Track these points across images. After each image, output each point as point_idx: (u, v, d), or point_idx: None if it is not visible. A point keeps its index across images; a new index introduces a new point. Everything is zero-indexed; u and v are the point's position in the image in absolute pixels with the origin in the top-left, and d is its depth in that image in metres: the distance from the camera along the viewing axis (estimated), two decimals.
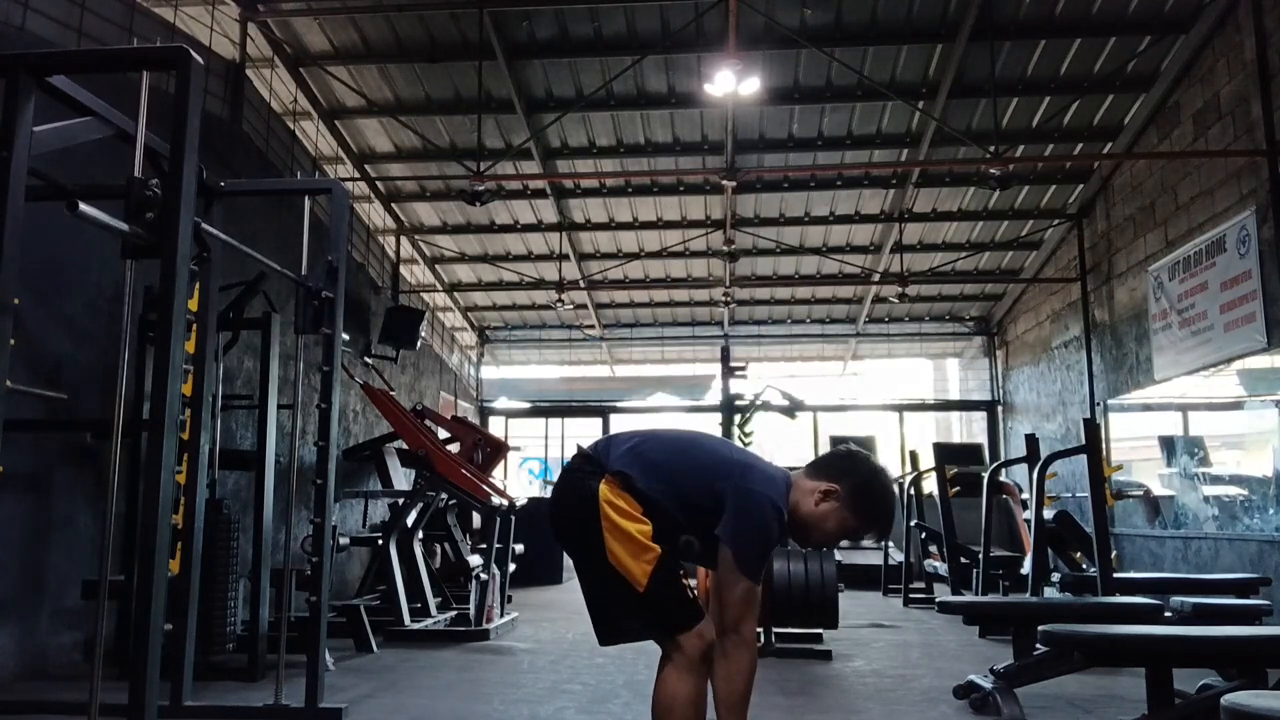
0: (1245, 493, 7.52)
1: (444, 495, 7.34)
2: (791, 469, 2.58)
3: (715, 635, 2.36)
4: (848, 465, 2.51)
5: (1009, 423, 13.45)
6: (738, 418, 7.07)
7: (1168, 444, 8.96)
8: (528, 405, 14.87)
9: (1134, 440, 9.78)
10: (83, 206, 2.60)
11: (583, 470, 2.49)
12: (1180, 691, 3.56)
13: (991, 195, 10.08)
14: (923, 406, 14.89)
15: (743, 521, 2.36)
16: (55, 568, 5.08)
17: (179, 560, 4.10)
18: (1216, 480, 8.00)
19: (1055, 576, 6.81)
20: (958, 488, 9.03)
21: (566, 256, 12.10)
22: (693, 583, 2.43)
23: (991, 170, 8.18)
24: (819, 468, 2.53)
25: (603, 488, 2.40)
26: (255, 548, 4.93)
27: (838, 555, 6.27)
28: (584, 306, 13.63)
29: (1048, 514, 6.89)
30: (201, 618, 4.55)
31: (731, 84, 7.50)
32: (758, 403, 6.99)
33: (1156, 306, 8.72)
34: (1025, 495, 8.18)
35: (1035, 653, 4.19)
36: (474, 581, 6.78)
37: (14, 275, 2.73)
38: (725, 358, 7.21)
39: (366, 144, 10.37)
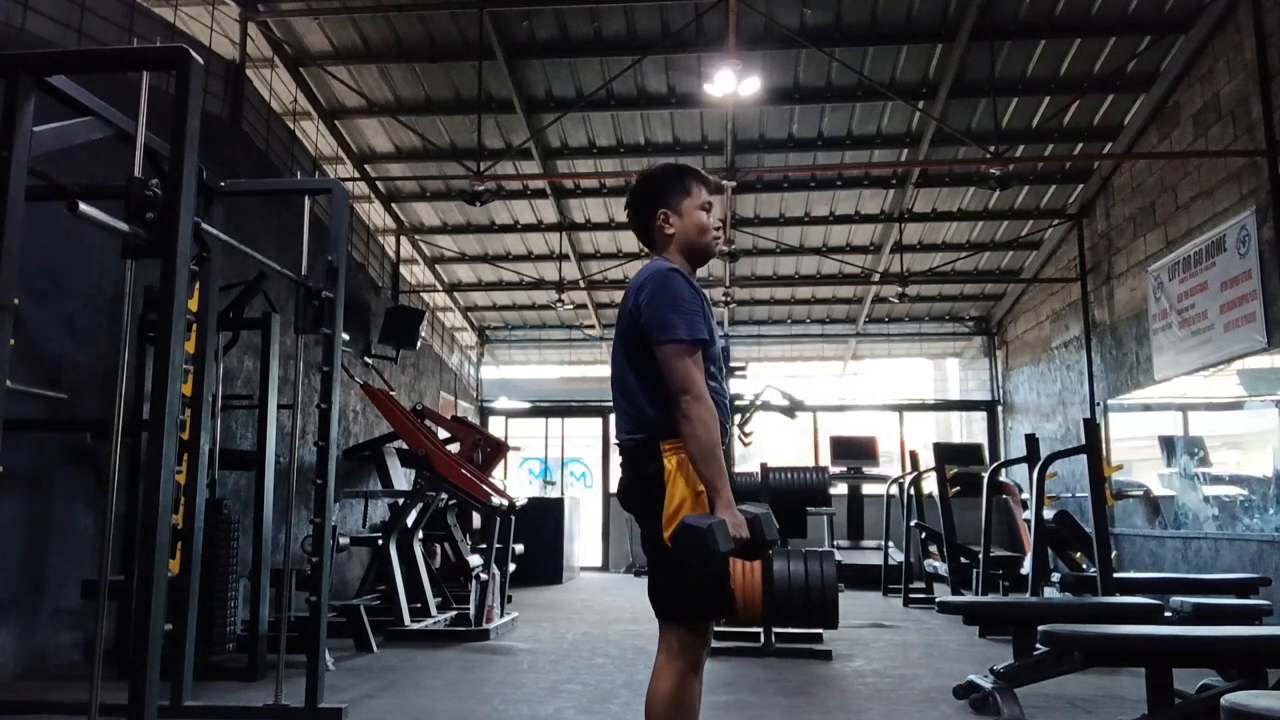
0: (1245, 493, 7.51)
1: (444, 495, 7.34)
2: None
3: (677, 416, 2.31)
4: (636, 203, 2.60)
5: (1009, 423, 13.45)
6: (738, 418, 7.07)
7: (1168, 444, 8.96)
8: (528, 405, 14.87)
9: (1134, 440, 9.78)
10: (83, 206, 2.60)
11: (640, 447, 2.45)
12: (1180, 691, 3.56)
13: (991, 195, 10.07)
14: (923, 406, 14.89)
15: (649, 307, 2.36)
16: (55, 568, 5.08)
17: (179, 560, 4.10)
18: (1216, 480, 8.00)
19: (1055, 576, 6.80)
20: (958, 488, 9.03)
21: (566, 256, 12.10)
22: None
23: (991, 170, 8.18)
24: (644, 230, 2.60)
25: (666, 463, 2.36)
26: (255, 548, 4.93)
27: (838, 555, 6.27)
28: (584, 306, 13.63)
29: (1048, 514, 6.89)
30: (201, 618, 4.55)
31: (731, 84, 7.50)
32: (758, 403, 7.01)
33: (1156, 306, 8.72)
34: (1025, 495, 8.19)
35: (1035, 653, 4.19)
36: (474, 581, 6.78)
37: (14, 275, 2.73)
38: (725, 358, 7.21)
39: (366, 144, 10.37)
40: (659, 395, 2.38)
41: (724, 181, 9.22)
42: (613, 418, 14.41)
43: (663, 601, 2.39)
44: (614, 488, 14.19)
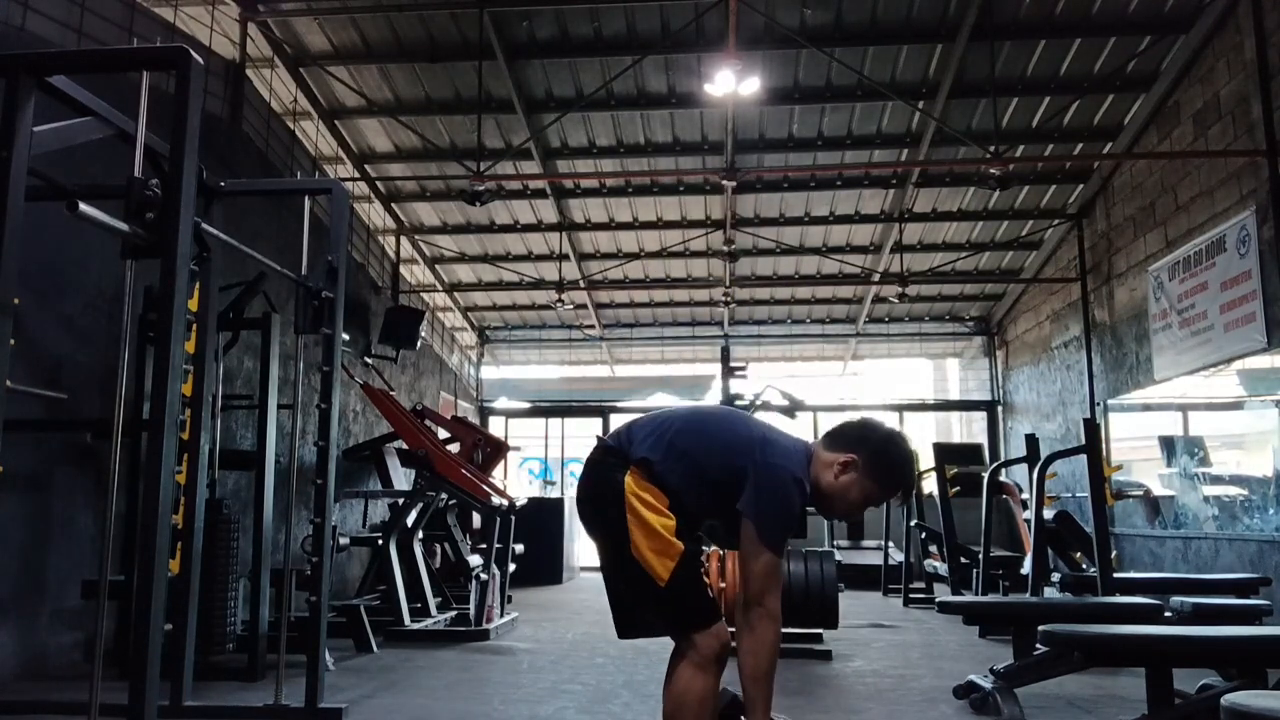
0: (1245, 493, 7.52)
1: (444, 495, 7.34)
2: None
3: (739, 611, 2.38)
4: (863, 433, 2.52)
5: (1009, 423, 13.45)
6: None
7: (1168, 444, 8.96)
8: (528, 405, 14.87)
9: (1134, 440, 9.78)
10: (83, 206, 2.60)
11: (605, 462, 2.50)
12: (1180, 691, 3.56)
13: (991, 195, 10.07)
14: (923, 406, 14.89)
15: (764, 495, 2.37)
16: (55, 568, 5.08)
17: (179, 560, 4.10)
18: (1216, 480, 8.00)
19: (1055, 576, 6.81)
20: (958, 488, 9.03)
21: (566, 256, 12.10)
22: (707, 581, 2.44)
23: (991, 170, 8.18)
24: (835, 439, 2.53)
25: (628, 480, 2.40)
26: (255, 548, 4.93)
27: (838, 555, 6.27)
28: (584, 306, 13.63)
29: (1048, 514, 6.90)
30: (201, 618, 4.55)
31: (731, 84, 7.50)
32: (758, 403, 7.00)
33: (1156, 306, 8.72)
34: (1025, 495, 8.19)
35: (1035, 653, 4.19)
36: (474, 581, 6.78)
37: (14, 275, 2.73)
38: (725, 358, 7.22)
39: (366, 144, 10.37)
40: (680, 474, 2.43)
41: (724, 181, 9.24)
42: (613, 417, 14.51)
43: (670, 625, 2.43)
44: None
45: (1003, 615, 5.16)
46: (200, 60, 2.87)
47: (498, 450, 9.64)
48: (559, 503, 11.94)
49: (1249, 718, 2.03)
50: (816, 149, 10.05)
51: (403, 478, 8.37)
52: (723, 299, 12.55)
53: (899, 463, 2.50)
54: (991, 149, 8.15)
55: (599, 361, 15.14)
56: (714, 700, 2.38)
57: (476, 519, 8.87)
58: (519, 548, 7.84)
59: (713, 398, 12.65)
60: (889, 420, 13.94)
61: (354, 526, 9.01)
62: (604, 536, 2.46)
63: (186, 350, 4.11)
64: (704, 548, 2.42)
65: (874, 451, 2.48)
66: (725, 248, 11.53)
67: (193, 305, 4.14)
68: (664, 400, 14.81)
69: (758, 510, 2.36)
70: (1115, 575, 5.94)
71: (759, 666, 2.32)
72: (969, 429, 14.83)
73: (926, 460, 9.79)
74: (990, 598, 7.10)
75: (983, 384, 14.14)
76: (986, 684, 4.18)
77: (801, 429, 13.91)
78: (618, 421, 14.50)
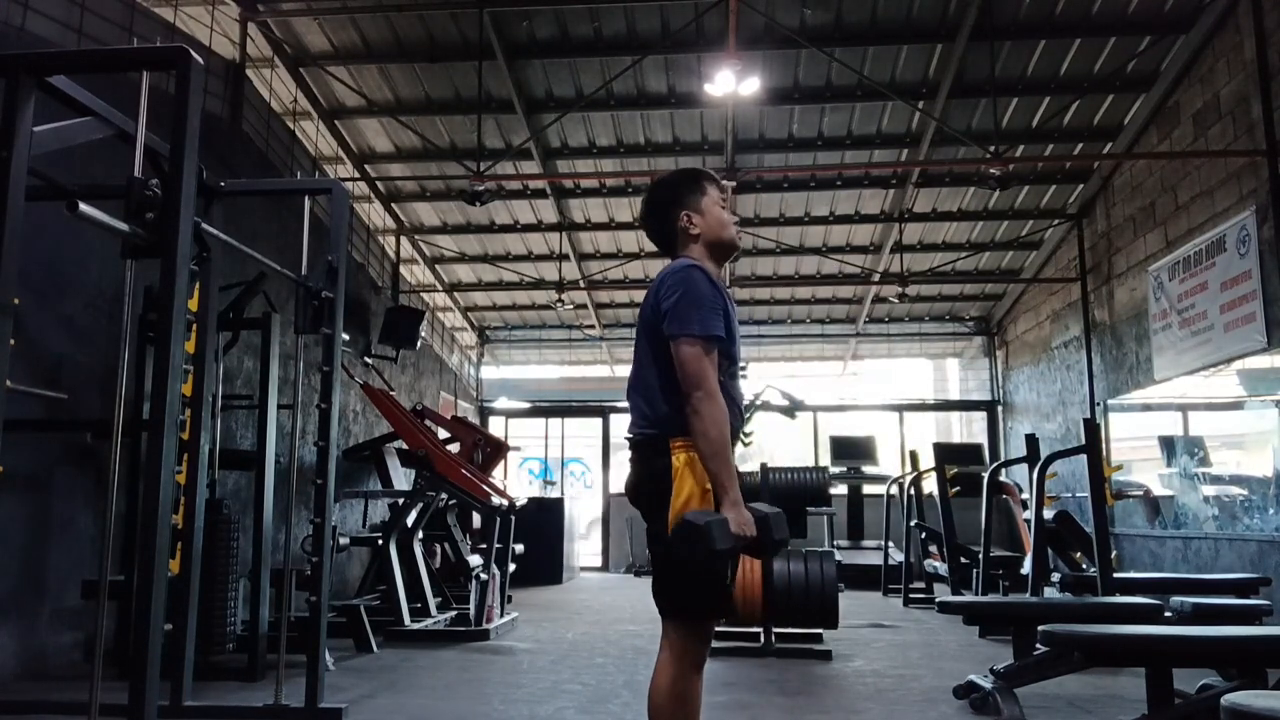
0: (1245, 493, 7.51)
1: (444, 495, 7.34)
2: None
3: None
4: (652, 210, 2.64)
5: (1009, 423, 13.45)
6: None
7: (1168, 444, 8.96)
8: (528, 405, 14.87)
9: (1134, 440, 9.78)
10: (83, 206, 2.60)
11: (643, 450, 2.45)
12: (1180, 691, 3.56)
13: (991, 195, 10.07)
14: (923, 406, 14.89)
15: (667, 299, 2.37)
16: (55, 568, 5.08)
17: (179, 560, 4.09)
18: (1216, 480, 8.00)
19: (1055, 576, 6.80)
20: (958, 488, 9.03)
21: (566, 256, 12.10)
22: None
23: (991, 170, 8.18)
24: (663, 236, 2.62)
25: (674, 460, 2.36)
26: (255, 548, 4.93)
27: (838, 555, 6.27)
28: (584, 306, 13.63)
29: (1048, 514, 6.89)
30: (201, 618, 4.55)
31: (731, 84, 7.50)
32: (758, 403, 7.01)
33: (1156, 306, 8.72)
34: (1025, 495, 8.19)
35: (1035, 653, 4.19)
36: (474, 581, 6.78)
37: (14, 275, 2.73)
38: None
39: (366, 144, 10.37)
40: (674, 392, 2.37)
41: (724, 181, 9.22)
42: (613, 417, 14.52)
43: (664, 598, 2.39)
44: (614, 488, 14.21)
45: (1003, 615, 5.15)
46: (200, 60, 2.87)
47: (498, 450, 9.64)
48: (559, 503, 11.94)
49: (1249, 718, 2.03)
50: (816, 149, 10.05)
51: (403, 478, 8.37)
52: None
53: (682, 175, 2.64)
54: (991, 149, 8.15)
55: (599, 361, 15.14)
56: (697, 697, 2.36)
57: (476, 519, 8.87)
58: (519, 548, 7.84)
59: None
60: (889, 420, 13.99)
61: (354, 526, 9.01)
62: (652, 513, 2.41)
63: (186, 350, 4.11)
64: None
65: (670, 200, 2.58)
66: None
67: (193, 305, 4.14)
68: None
69: (669, 314, 2.36)
70: (1115, 575, 5.94)
71: (710, 444, 2.27)
72: (969, 429, 14.82)
73: (927, 460, 9.79)
74: (990, 598, 7.10)
75: (983, 384, 14.14)
76: (986, 684, 4.18)
77: (802, 429, 13.95)
78: (618, 421, 14.55)
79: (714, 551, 2.18)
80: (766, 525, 2.28)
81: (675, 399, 2.37)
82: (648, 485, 2.40)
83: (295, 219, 5.12)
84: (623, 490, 2.57)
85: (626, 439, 2.51)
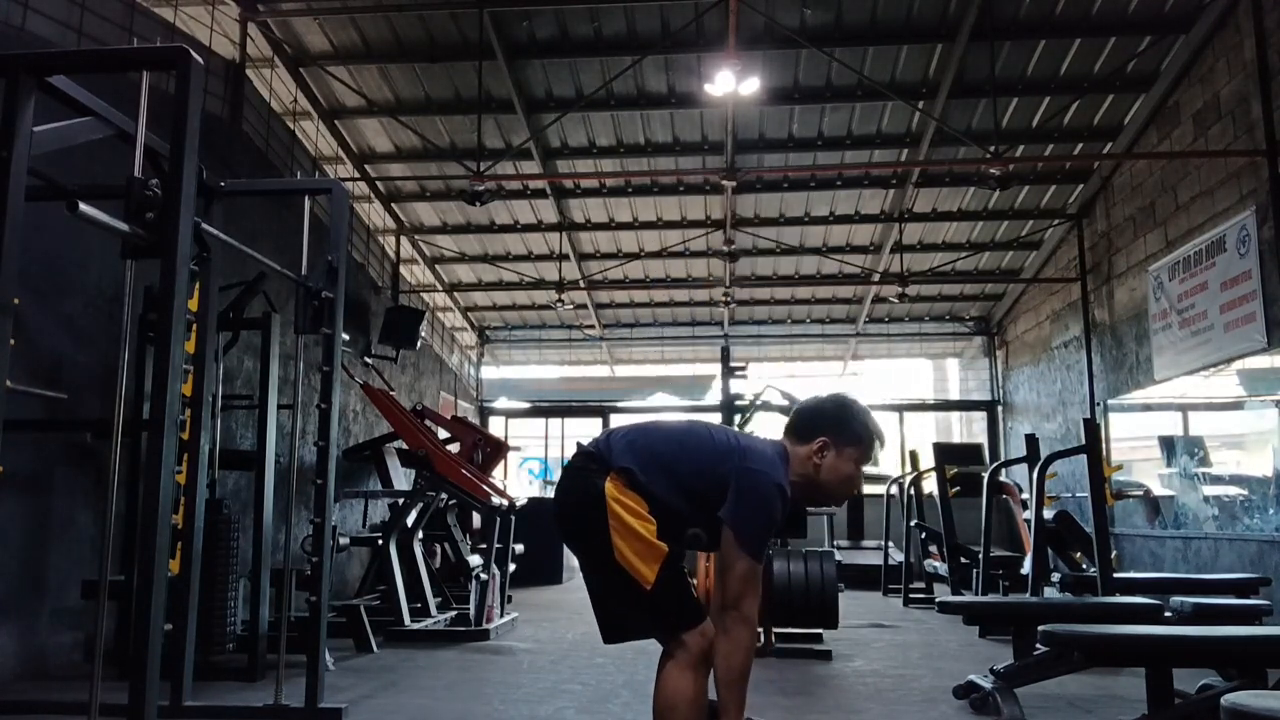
0: (1245, 493, 7.51)
1: (444, 495, 7.34)
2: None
3: (715, 615, 2.38)
4: (818, 412, 2.58)
5: (1009, 423, 13.45)
6: (738, 418, 7.08)
7: (1168, 444, 8.96)
8: (528, 405, 14.87)
9: (1134, 440, 9.78)
10: (83, 206, 2.60)
11: (586, 469, 2.49)
12: (1180, 691, 3.56)
13: (991, 195, 10.08)
14: (923, 406, 14.89)
15: (745, 501, 2.38)
16: (55, 568, 5.08)
17: (179, 560, 4.09)
18: (1216, 480, 8.00)
19: (1055, 576, 6.80)
20: (958, 488, 9.02)
21: (566, 256, 12.10)
22: (693, 581, 2.44)
23: (991, 170, 8.18)
24: (799, 431, 2.56)
25: (609, 486, 2.40)
26: (255, 548, 4.93)
27: (838, 555, 6.27)
28: (584, 306, 13.63)
29: (1048, 514, 6.89)
30: (201, 618, 4.55)
31: (731, 84, 7.50)
32: (758, 403, 7.00)
33: (1156, 306, 8.72)
34: (1025, 495, 8.18)
35: (1035, 653, 4.19)
36: (474, 581, 6.78)
37: (14, 275, 2.73)
38: (725, 358, 7.21)
39: (366, 144, 10.37)
40: (660, 484, 2.43)
41: (724, 181, 9.23)
42: (613, 418, 14.52)
43: (660, 628, 2.43)
44: None
45: (1003, 615, 5.16)
46: (200, 60, 2.87)
47: (498, 450, 9.63)
48: None
49: (1249, 718, 2.03)
50: (816, 149, 10.05)
51: (403, 478, 8.37)
52: (723, 299, 12.54)
53: (864, 419, 2.56)
54: (991, 149, 8.15)
55: (599, 361, 15.14)
56: (705, 700, 2.38)
57: (476, 519, 8.87)
58: (519, 548, 7.84)
59: (713, 398, 12.66)
60: (889, 420, 14.00)
61: (354, 526, 9.01)
62: (586, 543, 2.46)
63: (186, 350, 4.11)
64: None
65: (838, 422, 2.53)
66: (725, 248, 11.53)
67: (193, 305, 4.14)
68: (664, 400, 14.82)
69: (739, 517, 2.37)
70: (1115, 575, 5.94)
71: (732, 670, 2.32)
72: (969, 429, 14.83)
73: (927, 460, 9.79)
74: (990, 598, 7.10)
75: (983, 384, 14.14)
76: (986, 684, 4.17)
77: None
78: (618, 421, 14.52)
79: None
80: None
81: (659, 485, 2.42)
82: (582, 505, 2.44)
83: (295, 219, 5.12)
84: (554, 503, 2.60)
85: (578, 445, 2.56)
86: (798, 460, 2.51)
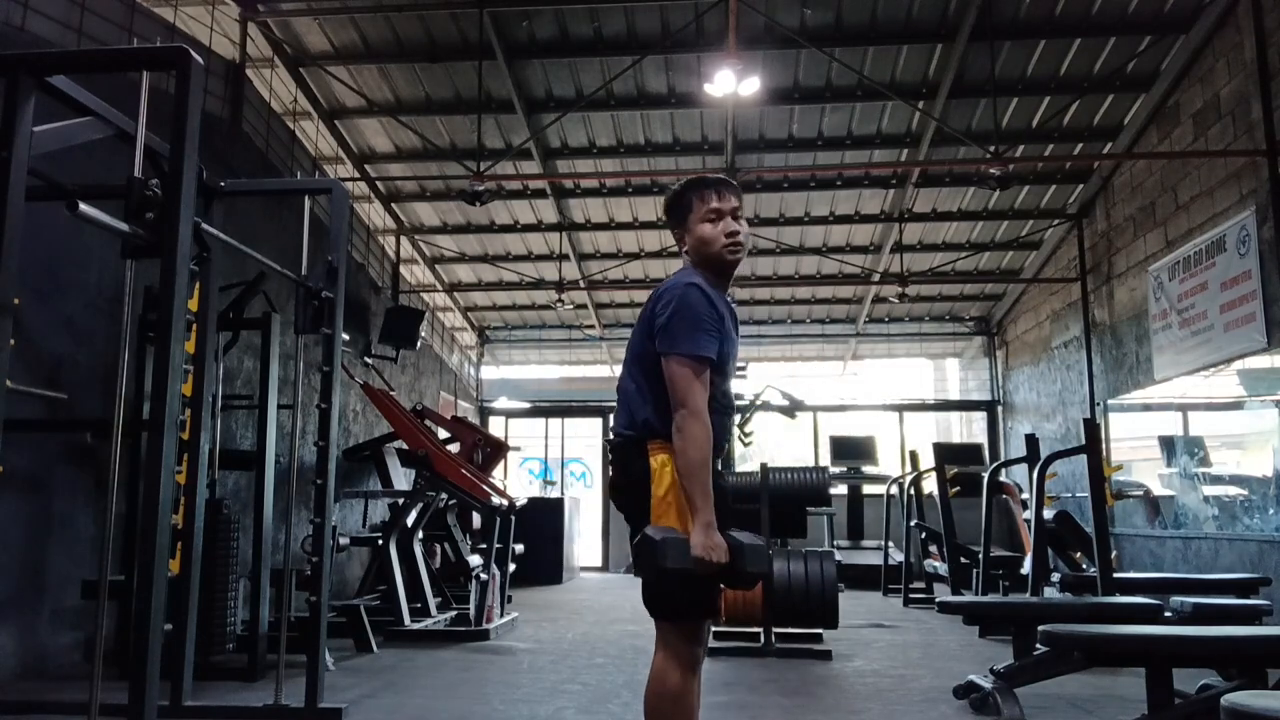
0: (1245, 493, 7.51)
1: (444, 495, 7.34)
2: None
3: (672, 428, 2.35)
4: (666, 219, 2.65)
5: (1009, 423, 13.45)
6: (738, 418, 7.07)
7: (1168, 444, 8.96)
8: (528, 405, 14.87)
9: (1134, 440, 9.78)
10: (83, 206, 2.60)
11: (624, 446, 2.49)
12: (1180, 691, 3.56)
13: (991, 195, 10.08)
14: (923, 406, 14.89)
15: (662, 314, 2.40)
16: (55, 568, 5.08)
17: (179, 560, 4.10)
18: (1216, 480, 8.00)
19: (1055, 576, 6.80)
20: (958, 488, 9.03)
21: (566, 256, 12.10)
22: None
23: (991, 170, 8.18)
24: (678, 243, 2.62)
25: (651, 462, 2.40)
26: (255, 548, 4.93)
27: (838, 555, 6.27)
28: (584, 306, 13.63)
29: (1048, 514, 6.89)
30: (201, 618, 4.55)
31: (731, 84, 7.50)
32: (758, 403, 7.00)
33: (1156, 306, 8.72)
34: (1025, 495, 8.18)
35: (1035, 653, 4.19)
36: (474, 581, 6.78)
37: (14, 275, 2.73)
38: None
39: (366, 144, 10.37)
40: (656, 399, 2.41)
41: (725, 183, 9.21)
42: (613, 418, 14.52)
43: (651, 600, 2.41)
44: None
45: (1003, 615, 5.16)
46: (200, 60, 2.87)
47: (498, 450, 9.64)
48: (559, 503, 11.93)
49: (1249, 718, 2.03)
50: (816, 149, 10.05)
51: (403, 478, 8.37)
52: None
53: (674, 195, 2.61)
54: (991, 149, 8.15)
55: (599, 361, 15.14)
56: (693, 697, 2.37)
57: (476, 519, 8.87)
58: (519, 548, 7.84)
59: None
60: (889, 420, 13.98)
61: (354, 526, 9.01)
62: (633, 516, 2.45)
63: (186, 350, 4.11)
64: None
65: (670, 211, 2.61)
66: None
67: (193, 305, 4.14)
68: None
69: (663, 330, 2.38)
70: (1115, 575, 5.94)
71: (691, 463, 2.29)
72: (969, 429, 14.82)
73: (927, 460, 9.79)
74: (990, 598, 7.10)
75: (983, 384, 14.14)
76: (986, 684, 4.18)
77: (802, 429, 13.95)
78: None
79: (663, 569, 2.21)
80: (740, 555, 2.27)
81: (656, 405, 2.41)
82: (627, 488, 2.45)
83: (295, 219, 5.12)
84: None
85: (607, 442, 2.54)
86: (690, 262, 2.57)
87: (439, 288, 13.04)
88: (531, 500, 10.20)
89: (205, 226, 3.67)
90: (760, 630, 5.94)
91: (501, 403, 14.78)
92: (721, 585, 2.39)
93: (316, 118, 9.66)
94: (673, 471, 2.35)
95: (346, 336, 4.68)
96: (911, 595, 9.20)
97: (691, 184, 2.60)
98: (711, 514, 2.27)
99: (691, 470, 2.29)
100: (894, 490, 10.34)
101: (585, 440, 14.90)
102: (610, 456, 2.55)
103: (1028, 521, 7.28)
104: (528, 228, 11.82)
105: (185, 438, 4.33)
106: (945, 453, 9.51)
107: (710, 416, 2.38)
